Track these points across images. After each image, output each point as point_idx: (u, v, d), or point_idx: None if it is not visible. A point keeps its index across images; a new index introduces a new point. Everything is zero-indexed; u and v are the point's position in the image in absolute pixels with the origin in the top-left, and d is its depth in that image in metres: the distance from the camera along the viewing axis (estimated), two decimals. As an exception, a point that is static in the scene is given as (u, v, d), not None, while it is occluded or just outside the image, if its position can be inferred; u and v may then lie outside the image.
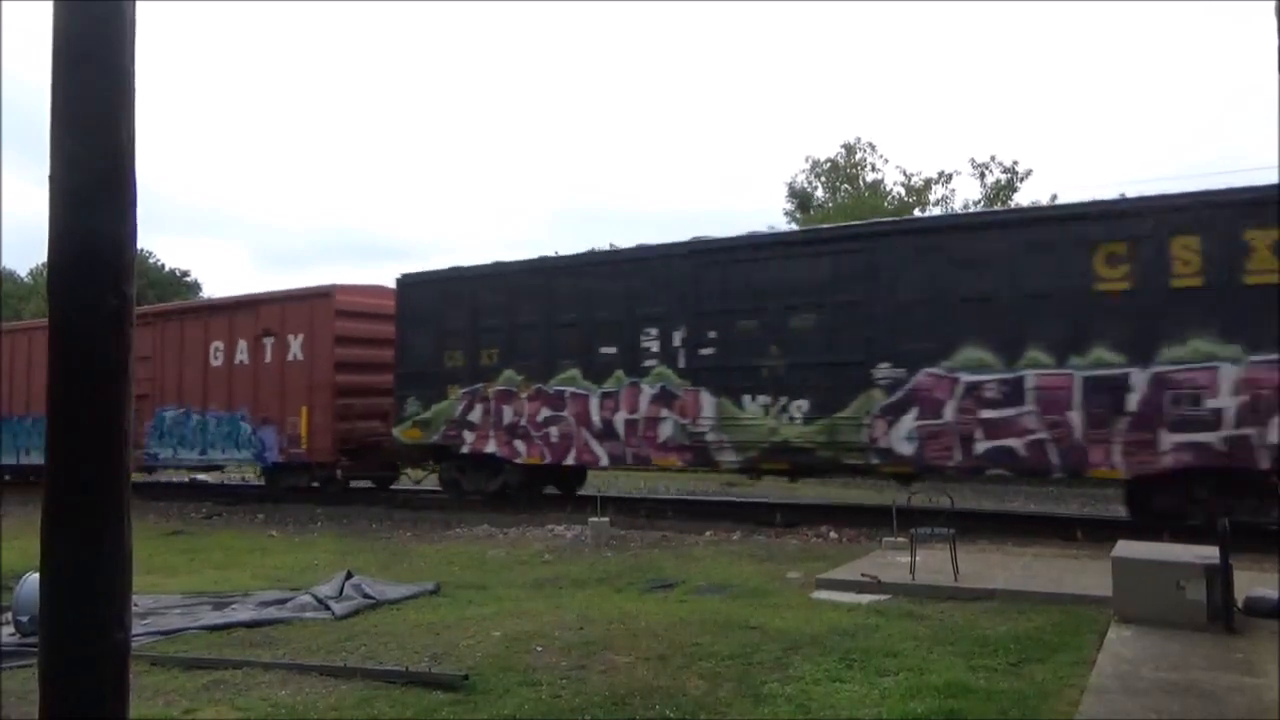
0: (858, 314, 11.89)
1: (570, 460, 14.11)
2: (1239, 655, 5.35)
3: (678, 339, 13.08)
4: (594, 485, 15.63)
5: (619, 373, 13.53)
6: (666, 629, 6.23)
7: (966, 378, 11.18)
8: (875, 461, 11.87)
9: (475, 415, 14.76)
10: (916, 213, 26.76)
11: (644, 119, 74.75)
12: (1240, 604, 6.07)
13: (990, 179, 27.91)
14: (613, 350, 13.64)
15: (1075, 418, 10.64)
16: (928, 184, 28.89)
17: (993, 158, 27.87)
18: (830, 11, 69.04)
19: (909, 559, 8.02)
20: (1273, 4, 3.04)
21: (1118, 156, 48.88)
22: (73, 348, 2.21)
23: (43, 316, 6.16)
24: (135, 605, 4.47)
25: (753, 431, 12.51)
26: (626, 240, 36.92)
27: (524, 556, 10.37)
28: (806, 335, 12.24)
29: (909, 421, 11.48)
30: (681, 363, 13.04)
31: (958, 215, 12.39)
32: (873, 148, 29.86)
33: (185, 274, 47.43)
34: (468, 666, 5.44)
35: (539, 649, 5.82)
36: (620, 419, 13.53)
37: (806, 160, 31.75)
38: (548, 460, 14.22)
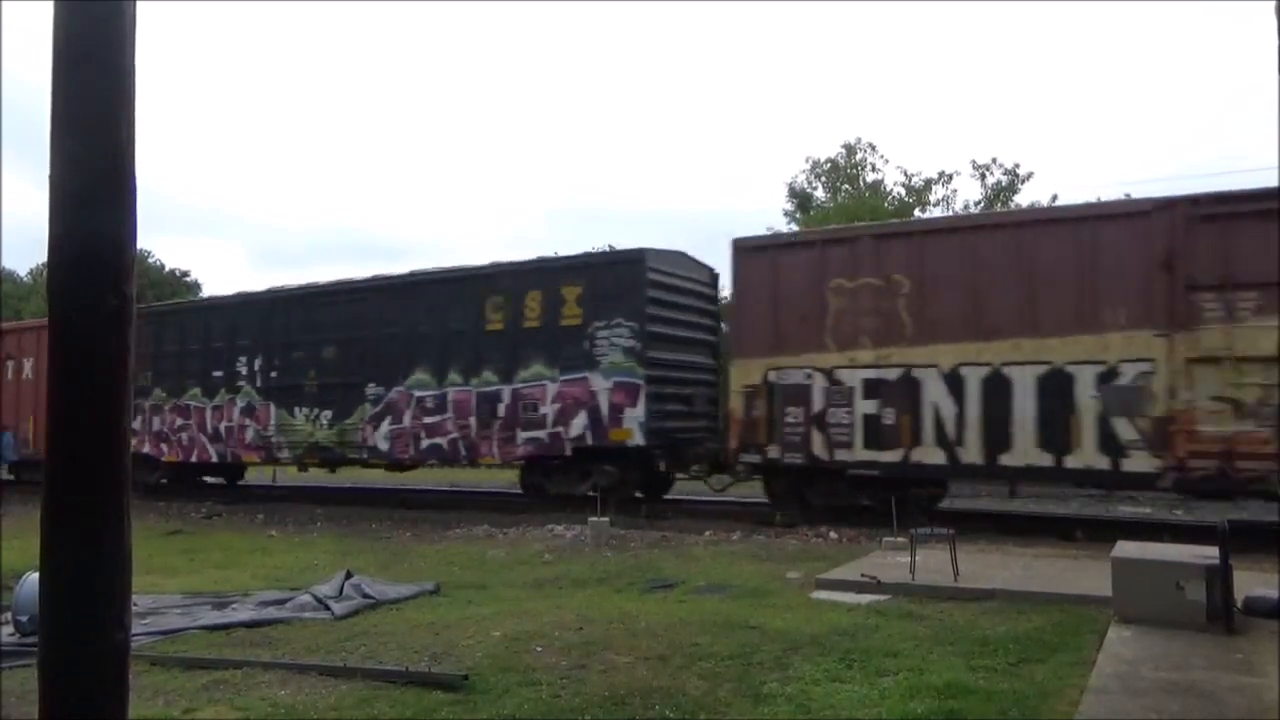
0: (357, 347, 16.13)
1: (194, 459, 18.37)
2: (1239, 655, 5.35)
3: (257, 365, 17.34)
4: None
5: (223, 391, 17.80)
6: (666, 629, 6.22)
7: (417, 393, 15.43)
8: (365, 456, 16.28)
9: (137, 423, 18.29)
10: (917, 213, 26.75)
11: (644, 118, 74.78)
12: (1240, 604, 6.06)
13: (991, 180, 27.91)
14: (220, 373, 17.83)
15: (473, 422, 14.85)
16: (928, 184, 28.87)
17: (994, 159, 27.88)
18: (830, 11, 69.09)
19: (909, 559, 8.02)
20: (1273, 4, 3.04)
21: (1118, 156, 48.93)
22: (73, 348, 2.20)
23: (43, 316, 6.20)
24: (135, 605, 4.47)
25: (299, 434, 16.82)
26: (626, 241, 36.86)
27: (524, 556, 10.36)
28: (331, 362, 16.45)
29: (385, 426, 15.77)
30: (259, 383, 17.33)
31: (416, 273, 16.29)
32: (873, 148, 29.82)
33: (185, 274, 47.42)
34: (467, 666, 5.44)
35: (539, 649, 5.81)
36: (223, 426, 17.82)
37: (806, 160, 31.70)
38: (180, 458, 18.56)
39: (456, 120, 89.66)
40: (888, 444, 11.90)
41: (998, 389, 11.32)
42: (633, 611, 6.87)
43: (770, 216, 47.36)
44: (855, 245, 12.32)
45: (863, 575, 7.87)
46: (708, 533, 11.77)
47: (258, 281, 78.04)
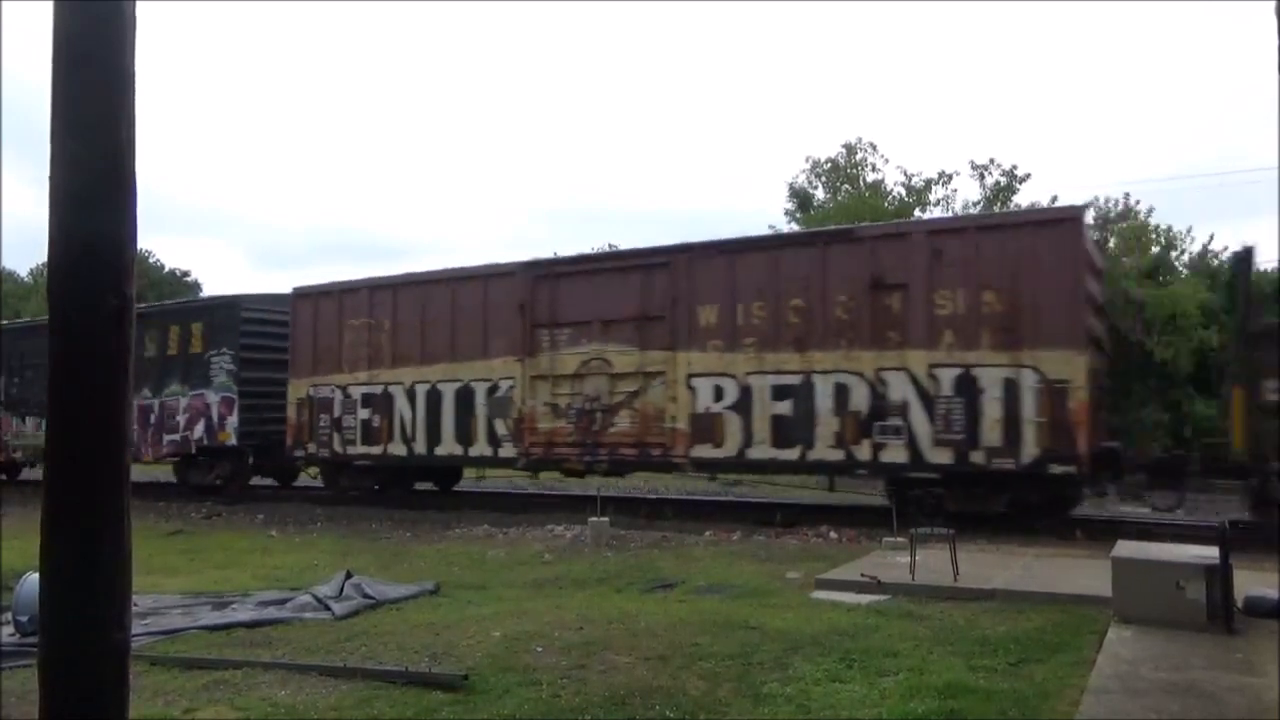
0: None
1: None
2: (1239, 655, 5.35)
3: (1, 383, 21.68)
4: (594, 485, 15.67)
5: None
6: (666, 629, 6.22)
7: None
8: None
9: None
10: (917, 213, 26.73)
11: (644, 118, 74.80)
12: (1240, 604, 6.06)
13: (990, 180, 27.87)
14: None
15: (134, 428, 17.46)
16: (928, 184, 28.82)
17: (992, 160, 27.84)
18: (830, 11, 69.10)
19: (909, 559, 8.02)
20: (1273, 4, 3.04)
21: (1118, 156, 48.94)
22: (73, 348, 2.21)
23: (43, 316, 6.18)
24: (135, 605, 4.47)
25: (29, 440, 20.99)
26: (626, 241, 36.83)
27: (524, 556, 10.36)
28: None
29: None
30: (2, 397, 21.76)
31: None
32: (874, 148, 29.75)
33: (185, 274, 47.44)
34: (468, 666, 5.44)
35: (539, 649, 5.81)
36: None
37: (807, 160, 31.66)
38: None
39: (457, 120, 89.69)
40: (375, 442, 16.18)
41: (435, 400, 15.52)
42: (633, 611, 6.87)
43: (771, 216, 47.39)
44: (358, 294, 16.59)
45: (863, 575, 7.87)
46: (708, 533, 11.77)
47: (258, 282, 78.11)
